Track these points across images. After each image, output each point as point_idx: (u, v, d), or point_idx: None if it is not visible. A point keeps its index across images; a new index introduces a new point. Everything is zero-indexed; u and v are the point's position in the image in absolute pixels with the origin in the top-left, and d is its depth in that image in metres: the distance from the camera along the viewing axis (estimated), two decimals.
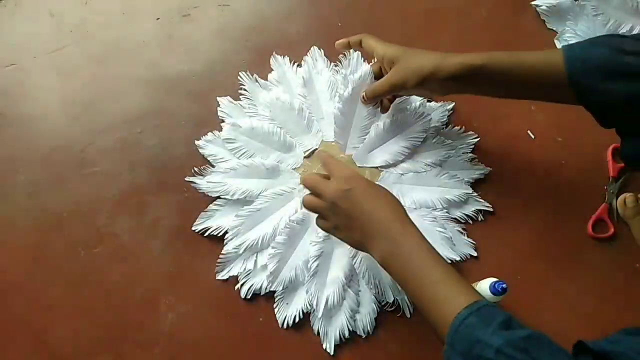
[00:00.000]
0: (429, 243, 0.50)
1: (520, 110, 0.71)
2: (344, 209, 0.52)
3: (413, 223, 0.52)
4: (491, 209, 0.67)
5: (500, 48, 0.71)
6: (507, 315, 0.43)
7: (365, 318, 0.62)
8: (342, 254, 0.64)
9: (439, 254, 0.50)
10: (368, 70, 0.63)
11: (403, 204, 0.55)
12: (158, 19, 0.73)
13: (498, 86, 0.55)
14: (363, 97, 0.63)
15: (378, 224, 0.51)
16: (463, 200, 0.66)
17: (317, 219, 0.57)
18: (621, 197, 0.65)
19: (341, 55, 0.71)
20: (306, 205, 0.57)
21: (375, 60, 0.61)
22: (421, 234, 0.51)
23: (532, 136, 0.70)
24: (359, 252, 0.63)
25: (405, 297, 0.63)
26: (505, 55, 0.53)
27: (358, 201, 0.52)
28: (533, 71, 0.51)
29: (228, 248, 0.64)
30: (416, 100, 0.69)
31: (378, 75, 0.63)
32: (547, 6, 0.74)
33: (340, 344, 0.62)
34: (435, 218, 0.65)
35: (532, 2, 0.76)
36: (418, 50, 0.57)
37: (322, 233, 0.63)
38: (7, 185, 0.66)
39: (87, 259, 0.64)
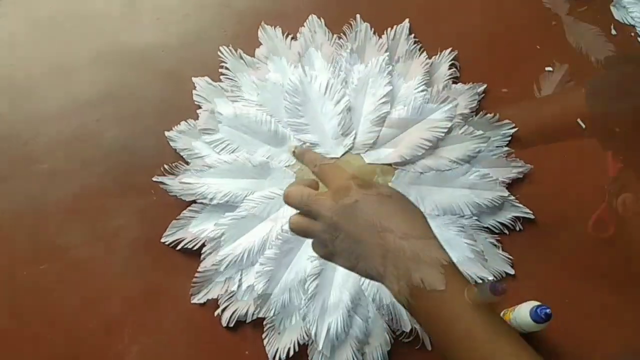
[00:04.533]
0: (472, 285, 0.40)
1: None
2: (346, 231, 0.43)
3: (446, 252, 0.41)
4: (532, 216, 0.63)
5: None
6: None
7: (376, 351, 0.58)
8: (346, 272, 0.57)
9: (499, 316, 0.40)
10: (381, 59, 0.61)
11: (422, 210, 0.45)
12: None
13: None
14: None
15: (398, 251, 0.40)
16: (497, 205, 0.62)
17: (313, 243, 0.48)
18: (621, 197, 0.66)
19: (345, 25, 0.67)
20: (294, 227, 0.47)
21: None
22: (463, 275, 0.41)
23: (583, 125, 0.67)
24: None
25: None
26: None
27: (367, 218, 0.42)
28: None
29: (206, 265, 0.60)
30: (439, 82, 0.66)
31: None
32: None
33: None
34: (462, 227, 0.61)
35: None
36: None
37: None
38: None
39: (31, 279, 0.59)
